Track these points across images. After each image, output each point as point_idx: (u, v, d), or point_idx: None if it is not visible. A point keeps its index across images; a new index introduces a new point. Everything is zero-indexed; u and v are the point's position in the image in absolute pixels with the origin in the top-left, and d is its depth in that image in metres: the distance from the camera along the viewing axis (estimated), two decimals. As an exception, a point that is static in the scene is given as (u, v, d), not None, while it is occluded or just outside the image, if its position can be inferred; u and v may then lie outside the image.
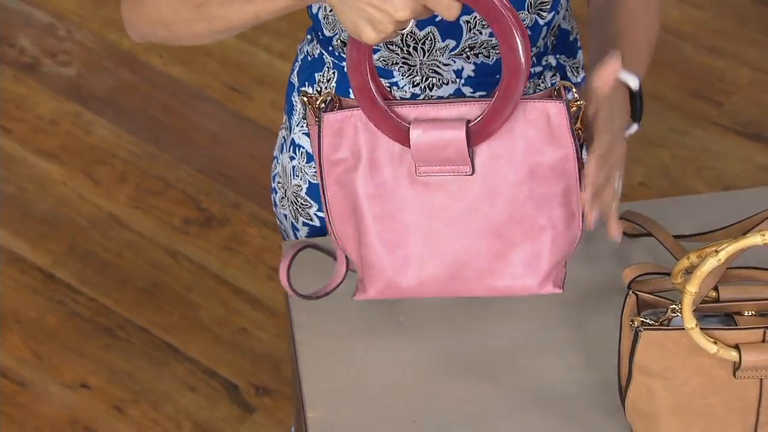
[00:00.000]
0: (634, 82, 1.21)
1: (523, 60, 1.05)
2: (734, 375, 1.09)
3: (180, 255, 2.26)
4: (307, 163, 1.38)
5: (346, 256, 1.17)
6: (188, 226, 2.31)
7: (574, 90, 1.10)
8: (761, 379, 1.09)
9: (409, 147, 1.09)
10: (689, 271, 1.10)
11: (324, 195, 1.13)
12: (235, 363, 2.12)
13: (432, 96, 1.30)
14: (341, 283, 1.19)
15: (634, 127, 1.22)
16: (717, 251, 1.03)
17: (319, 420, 1.18)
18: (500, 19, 1.04)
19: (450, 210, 1.10)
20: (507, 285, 1.13)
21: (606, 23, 1.28)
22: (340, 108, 1.11)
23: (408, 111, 1.10)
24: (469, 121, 1.08)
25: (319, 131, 1.11)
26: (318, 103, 1.11)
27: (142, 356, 2.13)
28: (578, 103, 1.10)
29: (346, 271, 1.18)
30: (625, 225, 1.33)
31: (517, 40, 1.04)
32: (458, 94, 1.30)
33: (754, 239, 1.02)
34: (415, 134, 1.08)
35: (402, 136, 1.09)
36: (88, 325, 2.17)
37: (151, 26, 1.18)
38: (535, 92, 1.33)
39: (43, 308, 2.19)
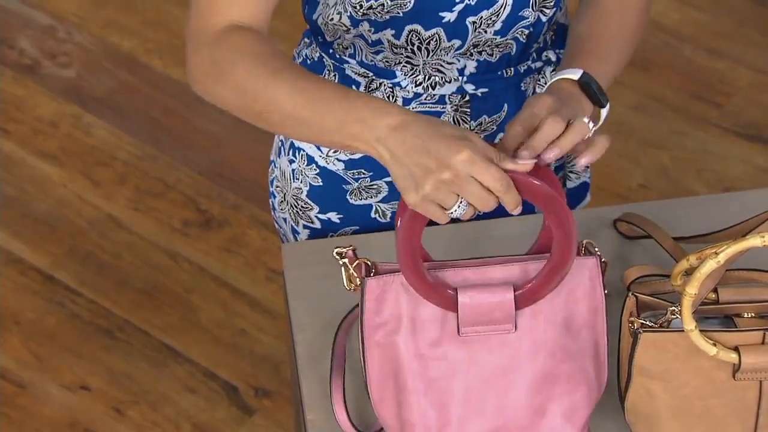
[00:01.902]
0: (574, 74, 1.19)
1: (575, 248, 1.08)
2: (734, 377, 1.09)
3: (180, 257, 2.26)
4: (307, 165, 1.38)
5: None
6: (188, 228, 2.30)
7: (597, 250, 1.13)
8: (761, 381, 1.09)
9: (454, 311, 1.10)
10: (689, 273, 1.10)
11: (363, 358, 1.12)
12: (235, 365, 2.12)
13: (434, 95, 1.30)
14: None
15: (604, 112, 1.21)
16: (716, 253, 1.03)
17: (318, 421, 1.18)
18: (558, 210, 1.07)
19: (491, 366, 1.12)
20: None
21: (578, 21, 1.29)
22: (377, 272, 1.11)
23: (450, 275, 1.10)
24: (515, 287, 1.10)
25: (362, 297, 1.11)
26: (353, 267, 1.11)
27: (141, 358, 2.13)
28: (603, 260, 1.13)
29: None
30: (624, 227, 1.33)
31: (574, 229, 1.07)
32: (460, 92, 1.30)
33: (753, 241, 1.02)
34: (463, 300, 1.09)
35: (447, 302, 1.10)
36: (87, 327, 2.17)
37: (214, 99, 1.17)
38: (535, 90, 1.33)
39: (43, 309, 2.19)
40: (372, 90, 1.30)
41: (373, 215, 1.39)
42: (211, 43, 1.16)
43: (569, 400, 1.13)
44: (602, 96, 1.19)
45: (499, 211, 1.14)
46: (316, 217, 1.39)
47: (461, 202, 1.05)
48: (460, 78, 1.29)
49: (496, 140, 1.33)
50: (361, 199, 1.38)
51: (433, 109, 1.30)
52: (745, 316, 1.11)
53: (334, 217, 1.39)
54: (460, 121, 1.32)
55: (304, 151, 1.37)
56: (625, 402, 1.14)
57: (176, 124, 2.46)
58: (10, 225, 2.31)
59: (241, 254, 2.27)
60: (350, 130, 1.08)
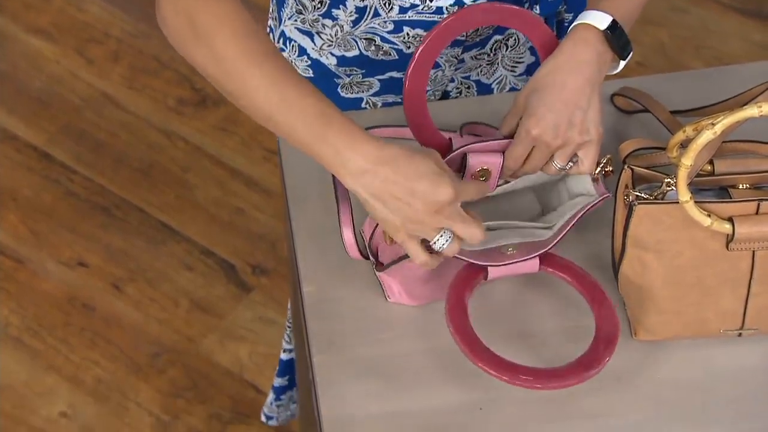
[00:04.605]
0: (600, 22, 1.15)
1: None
2: (727, 247, 1.09)
3: (175, 135, 2.26)
4: (299, 56, 1.36)
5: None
6: (183, 107, 2.30)
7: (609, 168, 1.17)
8: (753, 251, 1.10)
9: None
10: (684, 145, 1.10)
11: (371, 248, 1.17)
12: (232, 243, 2.13)
13: (431, 6, 1.27)
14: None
15: (620, 66, 1.18)
16: (713, 123, 1.03)
17: (314, 294, 1.19)
18: (597, 293, 1.13)
19: None
20: None
21: None
22: None
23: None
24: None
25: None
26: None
27: (138, 235, 2.14)
28: (608, 169, 1.16)
29: None
30: (621, 101, 1.33)
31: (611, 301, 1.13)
32: (459, 3, 1.26)
33: (750, 111, 1.02)
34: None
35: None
36: (84, 204, 2.18)
37: (187, 58, 1.13)
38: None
39: (39, 187, 2.20)
40: None
41: (363, 106, 1.38)
42: (191, 1, 1.09)
43: None
44: (625, 50, 1.16)
45: None
46: None
47: (444, 234, 1.06)
48: None
49: (489, 44, 1.34)
50: (352, 93, 1.37)
51: (429, 19, 1.27)
52: (740, 187, 1.11)
53: None
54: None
55: (295, 42, 1.35)
56: (618, 274, 1.14)
57: (170, 2, 2.43)
58: (5, 101, 2.30)
59: (236, 133, 2.26)
60: (321, 151, 1.06)
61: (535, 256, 1.12)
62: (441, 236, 1.06)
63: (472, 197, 1.08)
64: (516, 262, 1.12)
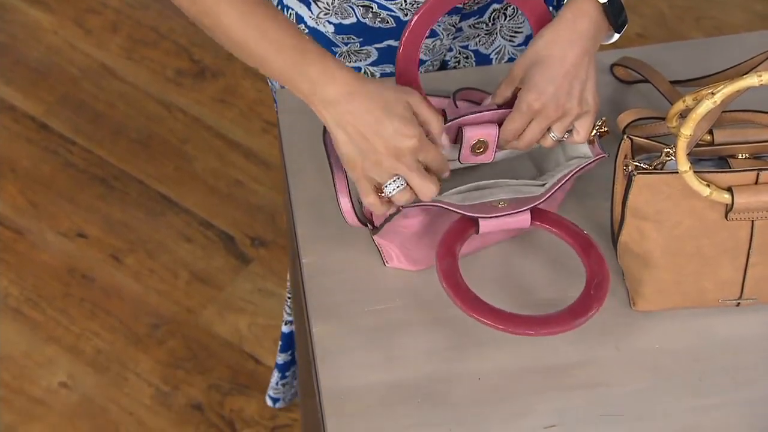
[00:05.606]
0: None
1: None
2: (726, 217, 1.09)
3: (173, 107, 2.25)
4: (296, 24, 1.35)
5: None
6: (181, 78, 2.29)
7: (605, 128, 1.17)
8: (752, 221, 1.10)
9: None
10: (684, 115, 1.10)
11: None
12: (231, 214, 2.13)
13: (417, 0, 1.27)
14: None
15: (614, 37, 1.18)
16: (713, 93, 1.03)
17: (313, 265, 1.20)
18: (587, 245, 1.13)
19: None
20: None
21: None
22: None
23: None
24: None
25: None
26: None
27: (137, 207, 2.14)
28: (603, 130, 1.16)
29: None
30: (620, 71, 1.32)
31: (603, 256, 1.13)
32: None
33: (750, 80, 1.01)
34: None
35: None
36: (82, 175, 2.18)
37: None
38: None
39: (38, 158, 2.20)
40: None
41: None
42: None
43: None
44: (621, 25, 1.16)
45: None
46: None
47: (397, 180, 1.07)
48: None
49: (487, 13, 1.33)
50: (350, 62, 1.37)
51: None
52: (740, 156, 1.11)
53: None
54: None
55: (292, 9, 1.35)
56: (617, 244, 1.14)
57: (168, -28, 2.42)
58: (3, 72, 2.29)
59: (235, 105, 2.26)
60: (298, 85, 1.07)
61: (526, 209, 1.12)
62: (393, 182, 1.07)
63: (434, 161, 1.08)
64: (507, 214, 1.12)
